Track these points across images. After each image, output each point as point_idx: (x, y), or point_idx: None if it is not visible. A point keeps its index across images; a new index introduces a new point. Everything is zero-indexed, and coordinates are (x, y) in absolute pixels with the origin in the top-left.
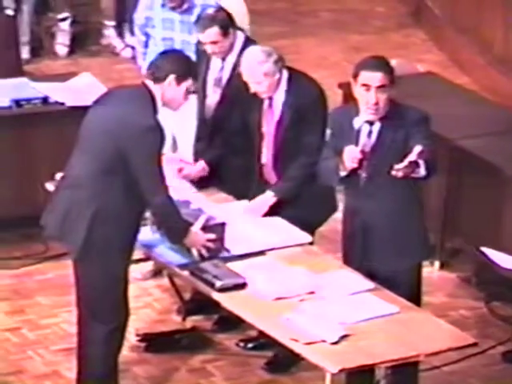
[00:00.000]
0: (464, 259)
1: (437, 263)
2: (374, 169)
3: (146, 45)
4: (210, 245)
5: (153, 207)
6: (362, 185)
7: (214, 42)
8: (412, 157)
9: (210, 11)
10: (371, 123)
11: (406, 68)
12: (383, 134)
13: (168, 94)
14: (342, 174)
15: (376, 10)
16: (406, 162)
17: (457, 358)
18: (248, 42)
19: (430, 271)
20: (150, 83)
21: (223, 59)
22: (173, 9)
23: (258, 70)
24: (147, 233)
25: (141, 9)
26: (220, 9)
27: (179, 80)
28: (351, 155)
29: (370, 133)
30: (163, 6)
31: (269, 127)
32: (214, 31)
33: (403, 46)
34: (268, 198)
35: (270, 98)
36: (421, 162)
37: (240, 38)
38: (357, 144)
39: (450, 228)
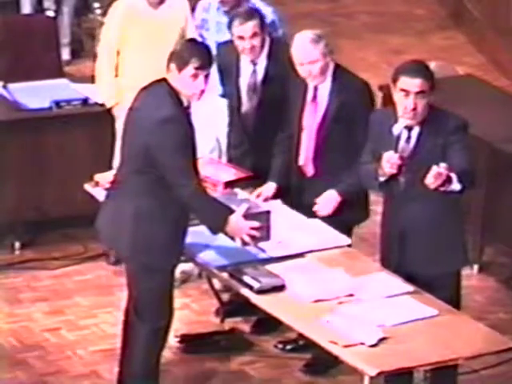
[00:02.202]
0: (503, 262)
1: (476, 266)
2: (413, 174)
3: None
4: (254, 233)
5: (182, 201)
6: (401, 190)
7: (255, 34)
8: (432, 173)
9: (246, 7)
10: (410, 128)
11: (445, 70)
12: (422, 140)
13: (176, 84)
14: (381, 179)
15: (416, 12)
16: (431, 175)
17: (496, 361)
18: (274, 42)
19: (469, 274)
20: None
21: (254, 63)
22: (226, 13)
23: (312, 49)
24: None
25: (198, 11)
26: (254, 7)
27: (179, 68)
28: (390, 161)
29: (408, 138)
30: (218, 9)
31: (310, 120)
32: (254, 23)
33: (443, 49)
34: (333, 196)
35: (315, 90)
36: (453, 176)
37: (267, 39)
38: (396, 150)
39: (489, 231)
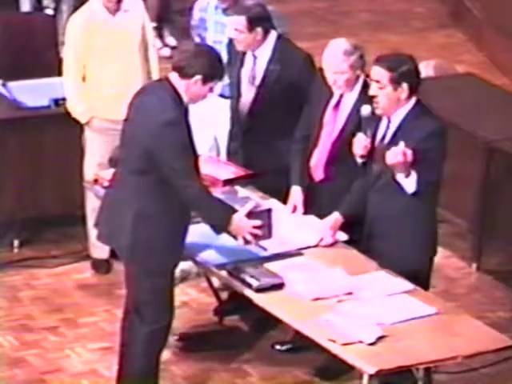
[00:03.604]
0: (502, 261)
1: (474, 265)
2: (384, 165)
3: None
4: (256, 231)
5: (186, 201)
6: (372, 178)
7: (236, 30)
8: (395, 149)
9: (249, 2)
10: (389, 120)
11: (444, 69)
12: (398, 134)
13: (191, 91)
14: (359, 160)
15: (415, 10)
16: (393, 150)
17: (495, 360)
18: (280, 39)
19: (468, 273)
20: (174, 76)
21: (254, 56)
22: (224, 11)
23: (343, 60)
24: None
25: (196, 10)
26: (259, 5)
27: (205, 81)
28: (359, 143)
29: (387, 128)
30: (216, 8)
31: (329, 126)
32: (239, 20)
33: (442, 47)
34: (337, 218)
35: (340, 97)
36: (414, 174)
37: (272, 35)
38: (365, 132)
39: (488, 229)
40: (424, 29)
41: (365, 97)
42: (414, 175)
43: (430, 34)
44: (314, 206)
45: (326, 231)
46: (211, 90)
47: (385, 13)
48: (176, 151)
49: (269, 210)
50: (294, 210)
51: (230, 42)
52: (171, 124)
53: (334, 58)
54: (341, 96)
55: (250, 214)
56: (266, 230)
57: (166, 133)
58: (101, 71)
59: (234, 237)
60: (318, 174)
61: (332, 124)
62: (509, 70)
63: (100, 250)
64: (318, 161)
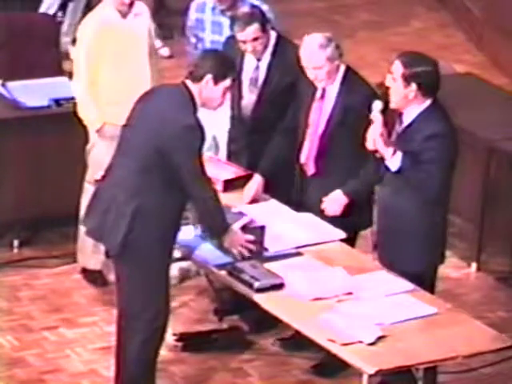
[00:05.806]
0: (501, 261)
1: (474, 265)
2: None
3: (196, 47)
4: (249, 246)
5: (195, 202)
6: (382, 172)
7: (256, 39)
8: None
9: (246, 9)
10: (401, 117)
11: (445, 69)
12: (406, 132)
13: (205, 94)
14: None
15: (415, 10)
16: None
17: (495, 359)
18: (280, 39)
19: (468, 273)
20: (189, 82)
21: (258, 59)
22: (222, 12)
23: (319, 54)
24: (186, 232)
25: (192, 11)
26: (254, 6)
27: (216, 80)
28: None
29: (399, 125)
30: (213, 9)
31: (316, 118)
32: (254, 28)
33: (442, 47)
34: (340, 196)
35: (323, 90)
36: (399, 153)
37: (272, 35)
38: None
39: (488, 229)
40: (424, 29)
41: (346, 88)
42: (399, 153)
43: (430, 33)
44: (307, 200)
45: (332, 203)
46: (226, 92)
47: (384, 13)
48: (193, 154)
49: (262, 228)
50: (253, 199)
51: (226, 43)
52: (192, 128)
53: (311, 54)
54: (324, 88)
55: (245, 229)
56: (258, 247)
57: (186, 136)
58: (113, 76)
59: (224, 249)
60: (310, 168)
61: (318, 115)
62: (509, 70)
63: (94, 262)
64: (308, 155)
